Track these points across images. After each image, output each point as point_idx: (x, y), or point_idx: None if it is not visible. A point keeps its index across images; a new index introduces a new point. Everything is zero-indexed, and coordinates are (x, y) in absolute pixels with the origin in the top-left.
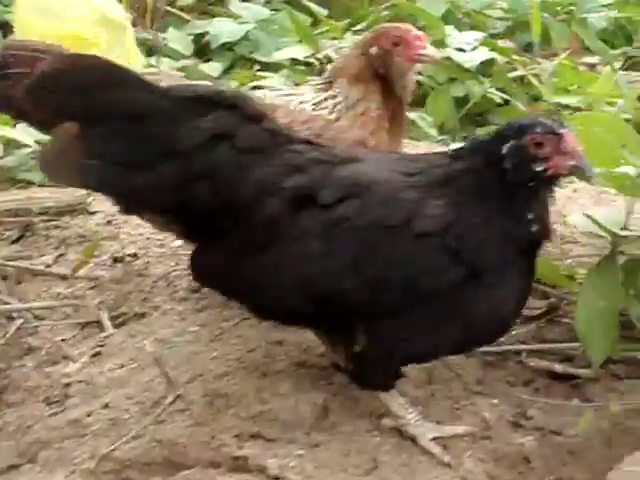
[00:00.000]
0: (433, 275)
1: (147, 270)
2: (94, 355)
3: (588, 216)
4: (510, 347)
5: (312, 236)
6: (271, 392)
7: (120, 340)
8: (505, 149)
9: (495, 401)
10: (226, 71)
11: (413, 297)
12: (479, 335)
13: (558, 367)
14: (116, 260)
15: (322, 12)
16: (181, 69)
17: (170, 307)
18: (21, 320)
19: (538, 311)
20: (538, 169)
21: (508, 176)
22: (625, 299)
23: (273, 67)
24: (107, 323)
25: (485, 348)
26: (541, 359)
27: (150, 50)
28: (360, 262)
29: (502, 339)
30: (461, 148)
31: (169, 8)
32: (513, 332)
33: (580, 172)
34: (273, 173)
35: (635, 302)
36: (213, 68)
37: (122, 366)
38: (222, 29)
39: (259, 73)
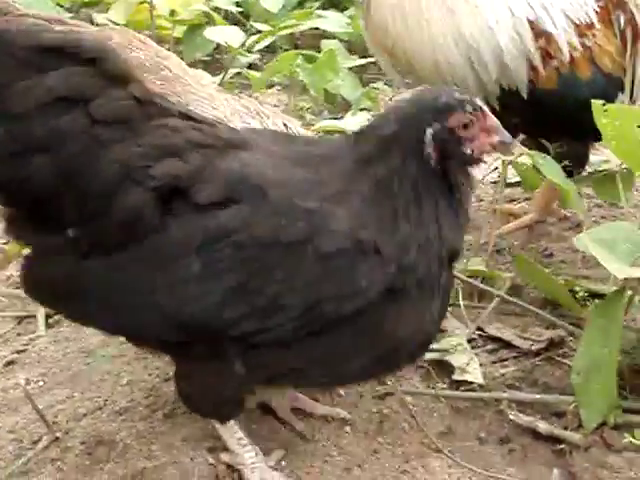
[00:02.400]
0: (342, 300)
1: None
2: (8, 363)
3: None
4: (488, 394)
5: (183, 247)
6: (164, 443)
7: (42, 346)
8: (427, 134)
9: (457, 464)
10: (299, 3)
11: (315, 326)
12: (397, 358)
13: (542, 426)
14: None
15: None
16: (238, 4)
17: None
18: None
19: (538, 345)
20: (466, 152)
21: (431, 164)
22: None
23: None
24: (41, 321)
25: (459, 393)
26: (525, 412)
27: None
28: (248, 288)
29: (482, 381)
30: (367, 130)
31: None
32: (502, 370)
33: (505, 147)
34: (138, 155)
35: None
36: (274, 3)
37: (28, 382)
38: None
39: (318, 12)
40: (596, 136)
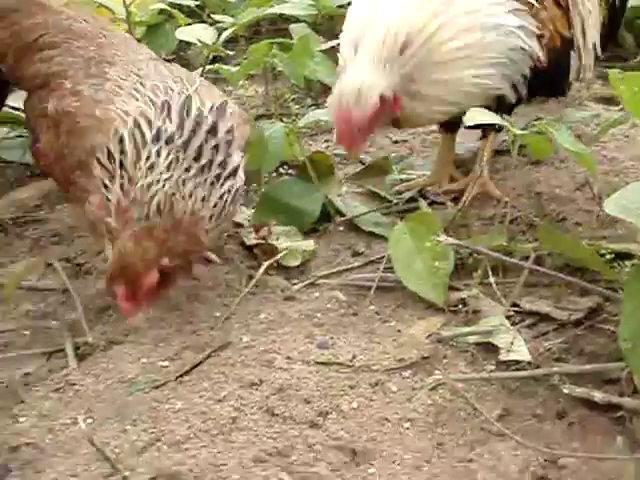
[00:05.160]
0: None
1: None
2: (49, 404)
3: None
4: (538, 371)
5: None
6: (234, 466)
7: (79, 381)
8: None
9: (521, 446)
10: None
11: None
12: None
13: (598, 395)
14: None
15: None
16: None
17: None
18: None
19: (577, 314)
20: None
21: None
22: None
23: None
24: (71, 354)
25: (510, 373)
26: (578, 384)
27: None
28: None
29: (530, 358)
30: None
31: None
32: (546, 344)
33: None
34: None
35: None
36: None
37: (76, 421)
38: None
39: None
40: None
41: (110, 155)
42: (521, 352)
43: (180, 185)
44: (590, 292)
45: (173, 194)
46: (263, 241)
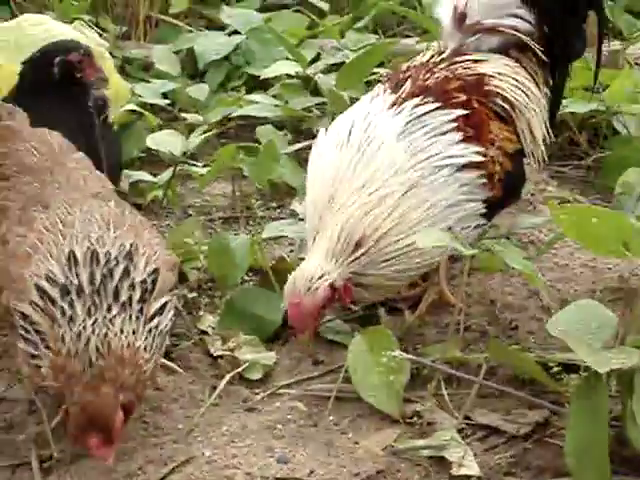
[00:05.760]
0: None
1: None
2: None
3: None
4: None
5: None
6: None
7: None
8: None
9: None
10: (222, 84)
11: None
12: None
13: None
14: None
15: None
16: (167, 94)
17: None
18: None
19: (525, 428)
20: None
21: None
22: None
23: (269, 82)
24: (36, 467)
25: None
26: None
27: (145, 67)
28: None
29: (480, 473)
30: None
31: (162, 16)
32: (495, 457)
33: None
34: None
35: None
36: (201, 91)
37: None
38: (208, 46)
39: (246, 97)
40: None
41: (28, 324)
42: (471, 467)
43: (108, 324)
44: (538, 405)
45: (105, 334)
46: (229, 352)
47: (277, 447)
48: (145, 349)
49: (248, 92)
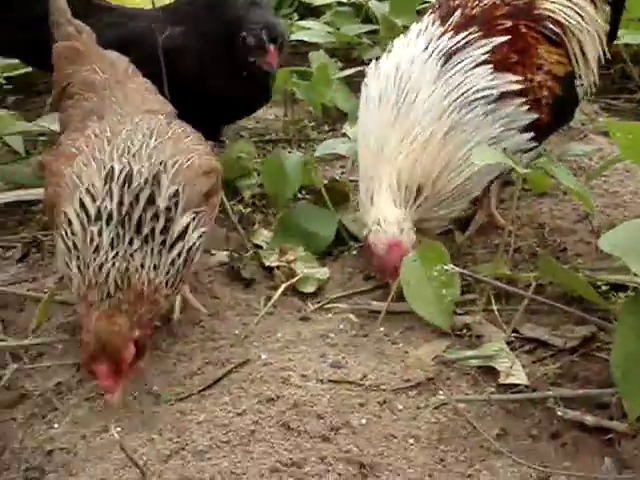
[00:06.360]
0: None
1: None
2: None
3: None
4: (535, 394)
5: None
6: (249, 478)
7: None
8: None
9: (517, 463)
10: (274, 10)
11: None
12: None
13: (589, 419)
14: None
15: None
16: None
17: (168, 345)
18: (16, 363)
19: (572, 342)
20: None
21: None
22: None
23: (320, 9)
24: None
25: (508, 395)
26: (571, 407)
27: None
28: None
29: (527, 382)
30: None
31: None
32: (542, 369)
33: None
34: None
35: None
36: None
37: (106, 430)
38: None
39: (298, 23)
40: None
41: (65, 234)
42: (519, 376)
43: (129, 259)
44: (586, 321)
45: (126, 269)
46: (285, 264)
47: (330, 354)
48: (166, 284)
49: (300, 19)
